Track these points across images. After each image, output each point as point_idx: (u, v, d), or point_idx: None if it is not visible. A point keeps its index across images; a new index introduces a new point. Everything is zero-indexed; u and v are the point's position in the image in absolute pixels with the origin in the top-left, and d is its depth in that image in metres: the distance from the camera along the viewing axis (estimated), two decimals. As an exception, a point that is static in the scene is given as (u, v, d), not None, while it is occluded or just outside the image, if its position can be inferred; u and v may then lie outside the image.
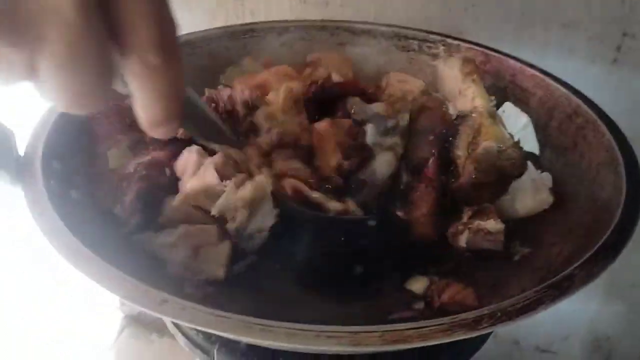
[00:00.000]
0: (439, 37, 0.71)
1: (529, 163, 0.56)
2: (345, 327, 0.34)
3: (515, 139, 0.55)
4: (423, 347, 0.50)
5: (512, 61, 0.67)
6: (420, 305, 0.47)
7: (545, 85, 0.63)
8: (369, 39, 0.74)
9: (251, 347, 0.52)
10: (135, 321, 1.30)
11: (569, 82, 0.81)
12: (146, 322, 1.30)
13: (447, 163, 0.55)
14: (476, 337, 0.53)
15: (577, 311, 1.04)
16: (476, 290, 0.46)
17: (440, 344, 0.50)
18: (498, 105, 0.65)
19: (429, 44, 0.71)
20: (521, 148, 0.53)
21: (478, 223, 0.52)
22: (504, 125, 0.57)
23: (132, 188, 0.50)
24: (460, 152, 0.55)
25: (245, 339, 0.36)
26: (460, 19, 0.81)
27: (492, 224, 0.52)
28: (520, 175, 0.53)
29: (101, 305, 1.32)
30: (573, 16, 0.76)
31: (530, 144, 0.62)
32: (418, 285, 0.49)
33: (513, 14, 0.79)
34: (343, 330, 0.34)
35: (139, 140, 0.57)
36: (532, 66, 0.65)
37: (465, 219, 0.53)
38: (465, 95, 0.61)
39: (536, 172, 0.58)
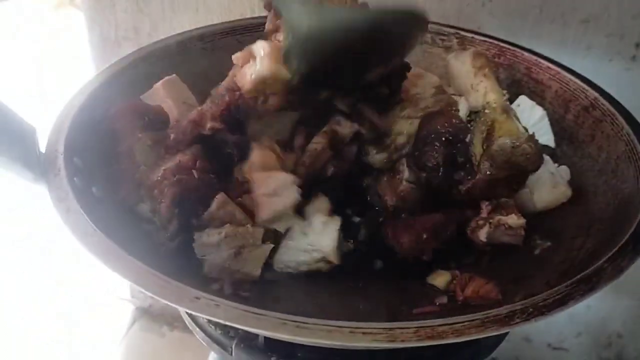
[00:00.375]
0: (452, 30, 0.70)
1: (547, 157, 0.56)
2: (380, 323, 0.34)
3: (530, 133, 0.54)
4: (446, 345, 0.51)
5: (527, 54, 0.66)
6: (443, 299, 0.47)
7: (561, 77, 0.63)
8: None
9: (269, 342, 0.52)
10: (147, 313, 1.31)
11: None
12: (157, 315, 1.30)
13: (454, 167, 0.54)
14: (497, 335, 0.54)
15: (590, 308, 1.04)
16: (499, 284, 0.46)
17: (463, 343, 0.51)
18: (513, 99, 0.64)
19: (442, 37, 0.70)
20: (537, 142, 0.52)
21: (499, 218, 0.51)
22: (518, 120, 0.57)
23: (166, 195, 0.49)
24: (476, 149, 0.54)
25: (281, 336, 0.36)
26: (477, 13, 0.80)
27: (514, 219, 0.51)
28: (536, 169, 0.52)
29: (113, 297, 1.32)
30: (592, 12, 0.76)
31: (546, 137, 0.62)
32: (440, 279, 0.49)
33: (531, 10, 0.78)
34: (378, 326, 0.34)
35: (159, 140, 0.56)
36: (547, 59, 0.65)
37: (485, 213, 0.52)
38: (477, 90, 0.60)
39: (554, 166, 0.58)
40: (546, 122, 0.62)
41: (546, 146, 0.61)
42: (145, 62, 0.65)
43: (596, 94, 0.59)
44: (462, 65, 0.62)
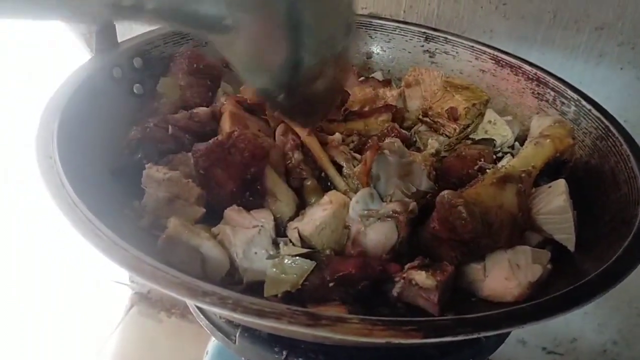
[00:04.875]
0: (575, 96, 0.64)
1: (526, 247, 0.50)
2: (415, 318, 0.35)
3: (542, 218, 0.52)
4: (448, 344, 0.52)
5: (626, 146, 0.57)
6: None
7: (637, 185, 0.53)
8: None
9: (272, 333, 0.53)
10: (145, 299, 1.32)
11: (597, 86, 0.81)
12: (155, 300, 1.31)
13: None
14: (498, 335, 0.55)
15: (586, 315, 1.05)
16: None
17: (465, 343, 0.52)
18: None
19: (562, 100, 0.65)
20: (474, 214, 0.47)
21: (411, 273, 0.47)
22: (521, 195, 0.51)
23: (131, 135, 0.58)
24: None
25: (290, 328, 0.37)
26: (490, 16, 0.81)
27: (422, 277, 0.46)
28: (472, 239, 0.48)
29: (111, 281, 1.33)
30: (606, 20, 0.76)
31: (563, 236, 0.52)
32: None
33: (544, 15, 0.78)
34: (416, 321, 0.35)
35: (192, 85, 0.65)
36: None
37: (406, 268, 0.48)
38: (522, 150, 0.57)
39: (526, 259, 0.49)
40: (568, 218, 0.52)
41: (557, 248, 0.53)
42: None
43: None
44: (537, 127, 0.59)
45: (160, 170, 0.54)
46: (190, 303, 0.39)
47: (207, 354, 0.77)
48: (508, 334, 0.56)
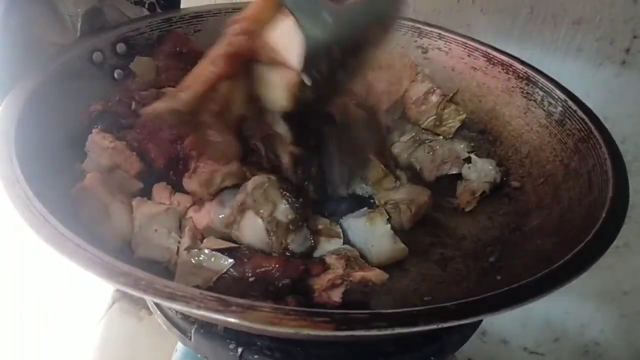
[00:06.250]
0: (562, 96, 0.62)
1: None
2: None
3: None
4: (408, 338, 0.51)
5: (604, 148, 0.56)
6: None
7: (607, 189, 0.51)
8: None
9: (229, 329, 0.51)
10: (126, 295, 1.31)
11: (576, 82, 0.80)
12: (137, 297, 1.30)
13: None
14: (462, 330, 0.54)
15: (569, 315, 1.04)
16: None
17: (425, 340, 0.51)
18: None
19: (550, 100, 0.63)
20: None
21: (361, 275, 0.47)
22: None
23: (99, 105, 0.58)
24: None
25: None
26: (467, 11, 0.80)
27: (379, 274, 0.47)
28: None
29: (93, 277, 1.32)
30: (584, 14, 0.75)
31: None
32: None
33: (522, 9, 0.77)
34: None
35: (168, 68, 0.64)
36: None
37: (340, 270, 0.48)
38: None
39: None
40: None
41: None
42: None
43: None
44: None
45: (106, 137, 0.54)
46: (110, 284, 0.38)
47: (176, 351, 0.76)
48: (470, 333, 0.54)
